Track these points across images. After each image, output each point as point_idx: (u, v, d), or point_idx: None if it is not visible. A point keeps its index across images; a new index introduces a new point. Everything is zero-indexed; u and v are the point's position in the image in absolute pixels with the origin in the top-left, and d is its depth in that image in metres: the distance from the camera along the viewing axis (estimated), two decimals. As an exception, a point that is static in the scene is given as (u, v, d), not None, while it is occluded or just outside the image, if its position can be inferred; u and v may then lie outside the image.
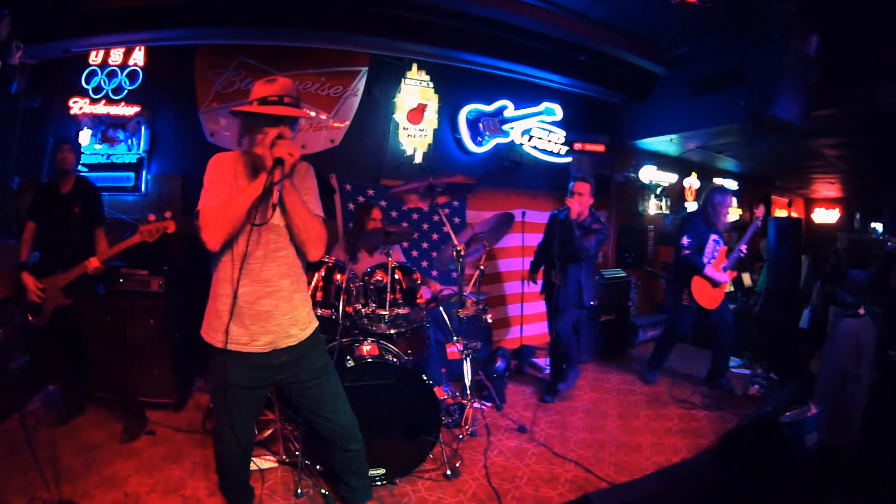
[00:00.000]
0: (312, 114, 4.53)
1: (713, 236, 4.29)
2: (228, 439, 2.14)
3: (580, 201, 3.92)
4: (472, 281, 3.85)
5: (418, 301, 3.43)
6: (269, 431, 3.20)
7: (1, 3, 3.41)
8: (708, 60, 5.12)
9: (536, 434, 3.64)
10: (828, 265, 6.22)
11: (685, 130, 5.78)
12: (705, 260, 4.25)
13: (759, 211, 4.46)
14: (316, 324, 2.26)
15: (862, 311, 3.32)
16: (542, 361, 5.15)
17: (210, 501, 2.67)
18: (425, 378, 2.93)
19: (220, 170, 2.03)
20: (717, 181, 7.12)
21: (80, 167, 3.49)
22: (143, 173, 4.26)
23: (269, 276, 2.05)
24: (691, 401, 4.20)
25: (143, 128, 4.24)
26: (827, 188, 7.22)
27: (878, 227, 6.80)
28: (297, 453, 2.89)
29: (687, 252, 4.22)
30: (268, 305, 2.05)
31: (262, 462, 3.04)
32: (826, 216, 7.68)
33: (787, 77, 4.14)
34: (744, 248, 4.35)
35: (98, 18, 3.78)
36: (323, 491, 2.77)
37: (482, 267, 3.91)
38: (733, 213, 7.33)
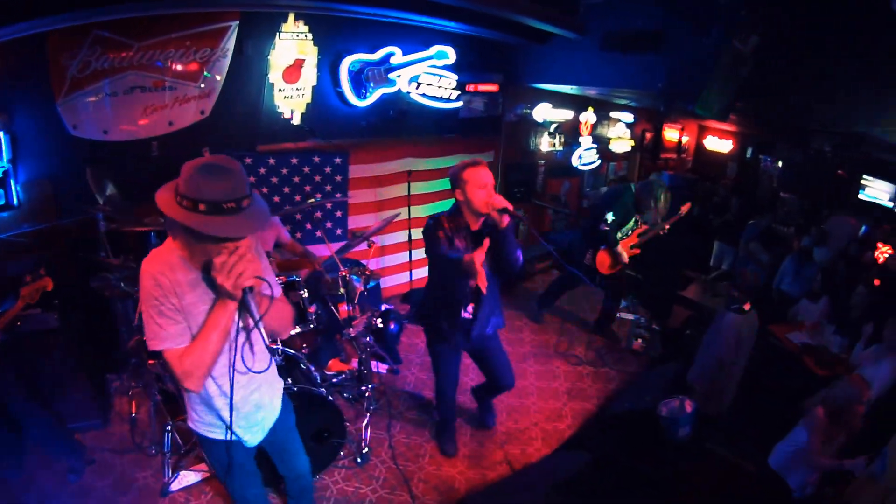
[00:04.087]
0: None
1: (637, 216, 4.85)
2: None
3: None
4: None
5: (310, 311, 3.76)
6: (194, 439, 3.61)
7: None
8: (623, 16, 5.06)
9: (433, 402, 4.16)
10: (716, 197, 6.81)
11: (588, 85, 5.90)
12: (619, 236, 4.82)
13: (685, 208, 5.07)
14: (281, 382, 2.45)
15: (748, 306, 3.89)
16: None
17: (163, 528, 3.19)
18: (324, 393, 3.42)
19: (163, 291, 1.81)
20: (614, 115, 7.46)
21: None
22: (12, 184, 4.10)
23: (249, 366, 2.04)
24: (576, 355, 4.99)
25: (1, 135, 4.01)
26: (721, 124, 7.65)
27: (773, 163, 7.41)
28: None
29: (607, 228, 4.71)
30: (257, 397, 2.18)
31: (197, 475, 3.53)
32: (718, 145, 8.13)
33: (718, 77, 4.42)
34: (667, 227, 4.94)
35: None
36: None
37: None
38: (624, 144, 7.87)
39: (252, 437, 2.25)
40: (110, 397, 4.34)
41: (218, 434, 2.14)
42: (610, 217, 4.70)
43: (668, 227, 4.90)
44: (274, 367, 2.33)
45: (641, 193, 4.75)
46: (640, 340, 5.02)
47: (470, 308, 3.34)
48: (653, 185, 4.78)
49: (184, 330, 1.85)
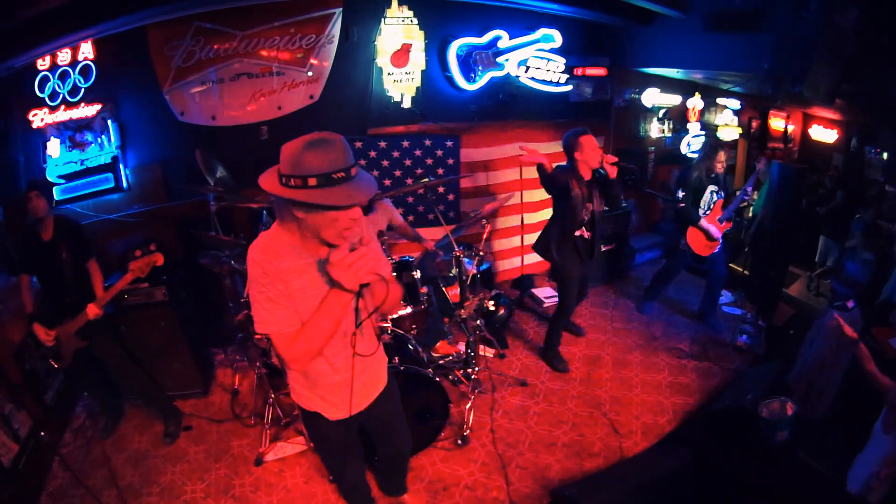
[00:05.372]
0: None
1: (711, 187, 4.71)
2: (354, 481, 2.58)
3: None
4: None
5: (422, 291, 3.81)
6: (296, 412, 3.64)
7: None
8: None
9: (537, 388, 4.29)
10: (822, 188, 6.45)
11: (693, 68, 5.71)
12: (701, 212, 4.72)
13: (761, 164, 5.00)
14: (386, 358, 2.49)
15: (851, 304, 3.68)
16: (541, 292, 5.74)
17: (255, 497, 3.30)
18: (430, 374, 3.42)
19: (269, 279, 1.81)
20: (720, 101, 7.19)
21: (54, 204, 3.66)
22: (121, 169, 4.38)
23: (361, 350, 2.09)
24: (681, 348, 4.82)
25: (109, 123, 4.28)
26: (825, 111, 7.26)
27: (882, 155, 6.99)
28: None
29: (682, 205, 4.69)
30: (370, 371, 2.26)
31: (294, 447, 3.62)
32: (823, 134, 7.70)
33: (822, 56, 4.14)
34: (749, 189, 4.82)
35: (31, 29, 3.59)
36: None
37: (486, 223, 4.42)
38: (732, 132, 7.54)
39: (365, 402, 2.27)
40: (213, 369, 4.55)
41: (321, 409, 2.18)
42: (680, 194, 4.73)
43: (752, 192, 4.81)
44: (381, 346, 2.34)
45: (699, 162, 4.77)
46: (744, 337, 4.80)
47: (586, 233, 4.16)
48: (703, 146, 4.92)
49: (292, 315, 1.84)
